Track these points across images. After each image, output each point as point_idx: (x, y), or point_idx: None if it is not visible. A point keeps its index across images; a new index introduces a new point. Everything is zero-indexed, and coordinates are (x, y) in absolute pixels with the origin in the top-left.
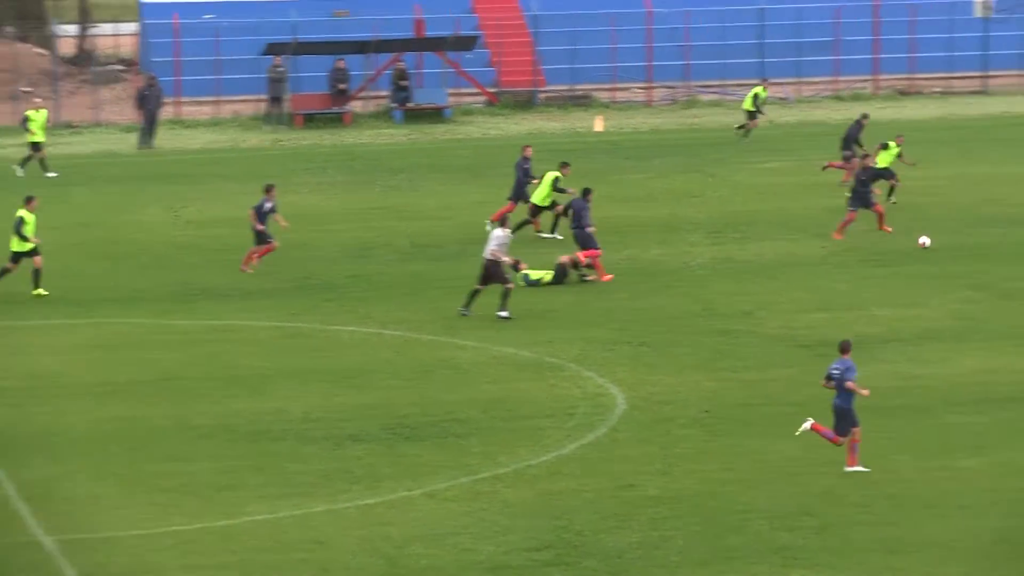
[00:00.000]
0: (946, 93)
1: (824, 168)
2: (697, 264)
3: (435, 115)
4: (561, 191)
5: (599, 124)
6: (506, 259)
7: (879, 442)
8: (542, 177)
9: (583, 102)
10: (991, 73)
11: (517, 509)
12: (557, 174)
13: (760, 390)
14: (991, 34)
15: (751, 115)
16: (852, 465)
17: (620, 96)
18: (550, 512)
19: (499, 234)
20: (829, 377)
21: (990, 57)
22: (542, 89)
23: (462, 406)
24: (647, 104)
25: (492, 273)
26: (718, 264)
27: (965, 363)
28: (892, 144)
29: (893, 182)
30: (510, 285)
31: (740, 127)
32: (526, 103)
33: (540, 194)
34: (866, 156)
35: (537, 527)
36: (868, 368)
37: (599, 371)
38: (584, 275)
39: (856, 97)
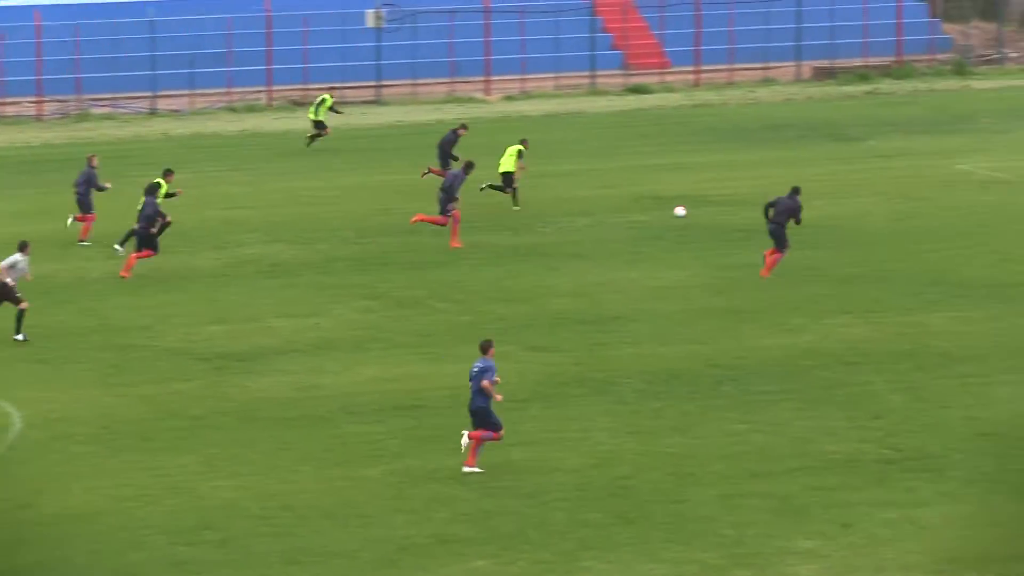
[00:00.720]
0: (340, 103)
1: (424, 175)
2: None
3: None
4: (171, 195)
5: None
6: (10, 281)
7: (279, 453)
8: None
9: None
10: (384, 83)
11: None
12: (161, 182)
13: (159, 404)
14: (383, 44)
15: (319, 124)
16: (471, 466)
17: (9, 110)
18: None
19: (17, 258)
20: (471, 377)
21: (383, 67)
22: None
23: None
24: (38, 118)
25: (4, 294)
26: (115, 278)
27: (364, 372)
28: (515, 147)
29: (512, 188)
30: (23, 305)
31: (311, 136)
32: None
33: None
34: (469, 164)
35: None
36: (267, 379)
37: None
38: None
39: (251, 109)
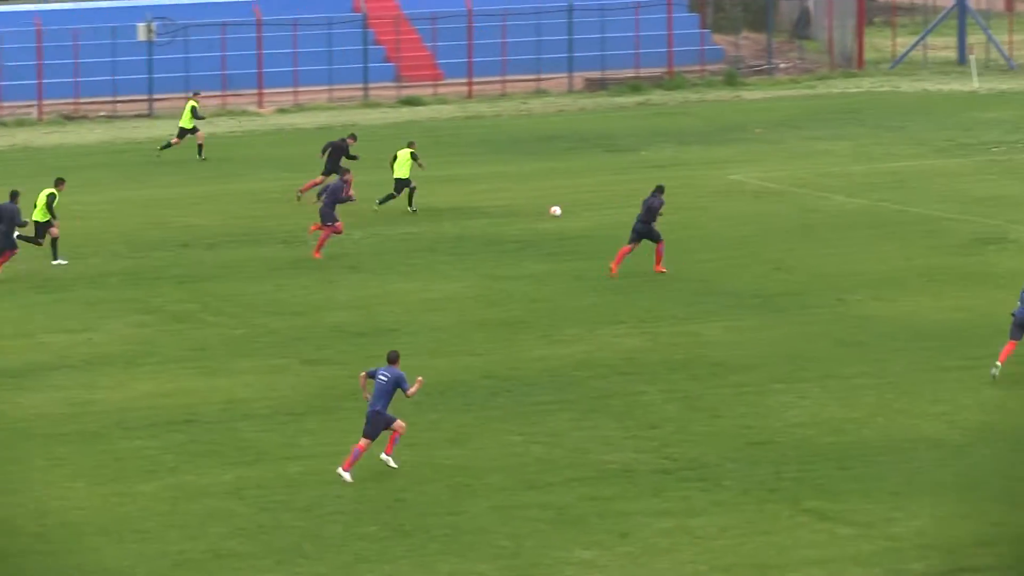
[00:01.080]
0: (112, 117)
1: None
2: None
3: None
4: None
5: None
6: None
7: (53, 470)
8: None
9: None
10: (156, 96)
11: None
12: (53, 191)
13: None
14: (155, 57)
15: (184, 131)
16: (389, 453)
17: None
18: None
19: None
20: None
21: (155, 80)
22: None
23: None
24: None
25: None
26: None
27: (138, 387)
28: (406, 151)
29: (412, 187)
30: None
31: (165, 144)
32: None
33: (39, 212)
34: (347, 172)
35: None
36: (40, 395)
37: None
38: None
39: (21, 123)
